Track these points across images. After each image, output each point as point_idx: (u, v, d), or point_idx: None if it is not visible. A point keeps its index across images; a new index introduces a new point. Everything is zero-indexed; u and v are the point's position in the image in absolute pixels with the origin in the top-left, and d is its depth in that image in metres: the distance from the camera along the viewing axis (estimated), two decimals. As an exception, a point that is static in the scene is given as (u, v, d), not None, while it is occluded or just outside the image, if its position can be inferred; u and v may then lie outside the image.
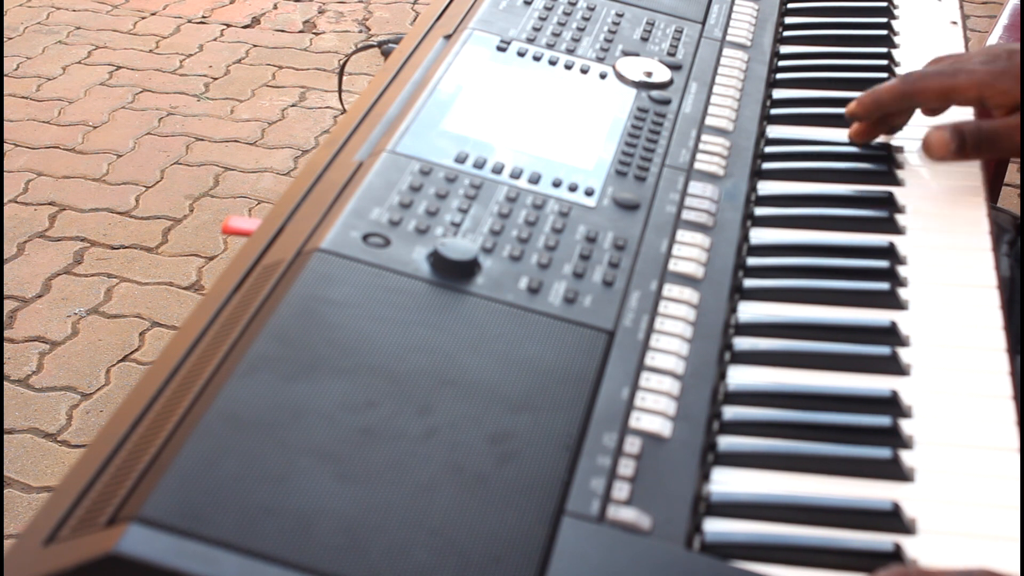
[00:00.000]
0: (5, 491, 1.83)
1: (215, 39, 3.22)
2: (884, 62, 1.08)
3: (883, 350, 0.74)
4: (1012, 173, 2.52)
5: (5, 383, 2.03)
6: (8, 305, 2.22)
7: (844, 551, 0.61)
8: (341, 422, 0.60)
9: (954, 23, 1.17)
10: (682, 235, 0.81)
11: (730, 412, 0.70)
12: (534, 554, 0.56)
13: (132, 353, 2.11)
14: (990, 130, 0.89)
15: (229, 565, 0.52)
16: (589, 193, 0.83)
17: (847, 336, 0.76)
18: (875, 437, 0.68)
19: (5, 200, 2.51)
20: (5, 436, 1.93)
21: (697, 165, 0.89)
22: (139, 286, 2.28)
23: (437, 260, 0.72)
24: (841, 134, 0.97)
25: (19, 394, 2.02)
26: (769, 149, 0.96)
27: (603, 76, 0.98)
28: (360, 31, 3.27)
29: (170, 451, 0.57)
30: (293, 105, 2.90)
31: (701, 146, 0.92)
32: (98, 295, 2.25)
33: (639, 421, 0.66)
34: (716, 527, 0.63)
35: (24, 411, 1.98)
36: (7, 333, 2.15)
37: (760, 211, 0.88)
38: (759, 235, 0.86)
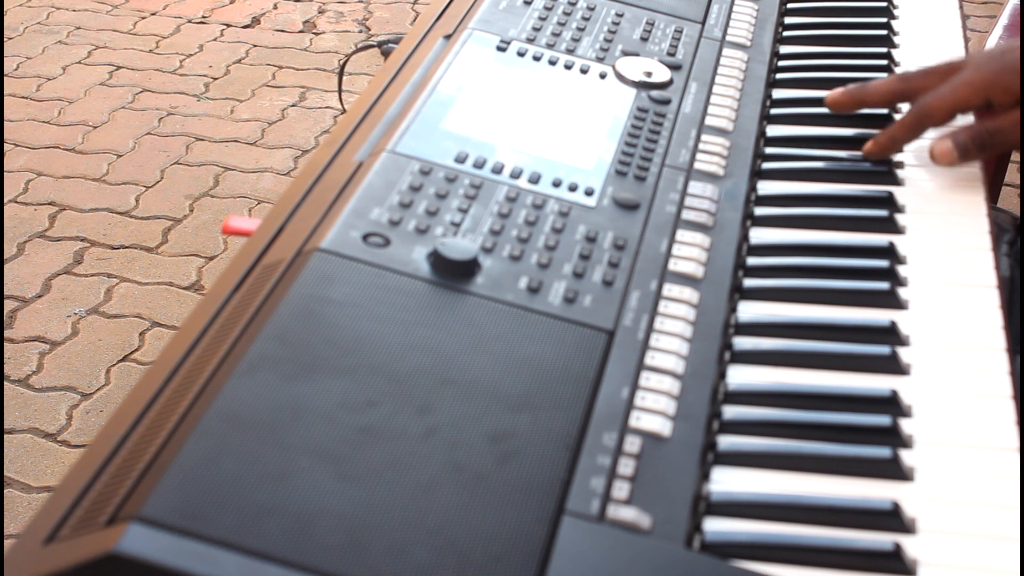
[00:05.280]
0: (5, 491, 1.83)
1: (215, 39, 3.22)
2: (884, 62, 1.08)
3: (883, 349, 0.74)
4: (1012, 173, 2.52)
5: (5, 383, 2.03)
6: (8, 305, 2.21)
7: (844, 550, 0.61)
8: (341, 422, 0.60)
9: (954, 22, 1.17)
10: (682, 235, 0.81)
11: (730, 412, 0.70)
12: (534, 553, 0.56)
13: (132, 353, 2.11)
14: (993, 129, 0.91)
15: (229, 564, 0.52)
16: (589, 193, 0.83)
17: (847, 336, 0.76)
18: (875, 436, 0.68)
19: (5, 200, 2.51)
20: (5, 436, 1.93)
21: (697, 165, 0.89)
22: (139, 286, 2.28)
23: (437, 260, 0.72)
24: (841, 133, 0.97)
25: (19, 394, 2.02)
26: (769, 149, 0.96)
27: (603, 76, 0.97)
28: (360, 31, 3.27)
29: (170, 451, 0.57)
30: (293, 105, 2.90)
31: (701, 146, 0.92)
32: (98, 295, 2.25)
33: (639, 420, 0.66)
34: (716, 526, 0.63)
35: (24, 411, 1.98)
36: (7, 333, 2.15)
37: (760, 211, 0.88)
38: (759, 235, 0.86)
